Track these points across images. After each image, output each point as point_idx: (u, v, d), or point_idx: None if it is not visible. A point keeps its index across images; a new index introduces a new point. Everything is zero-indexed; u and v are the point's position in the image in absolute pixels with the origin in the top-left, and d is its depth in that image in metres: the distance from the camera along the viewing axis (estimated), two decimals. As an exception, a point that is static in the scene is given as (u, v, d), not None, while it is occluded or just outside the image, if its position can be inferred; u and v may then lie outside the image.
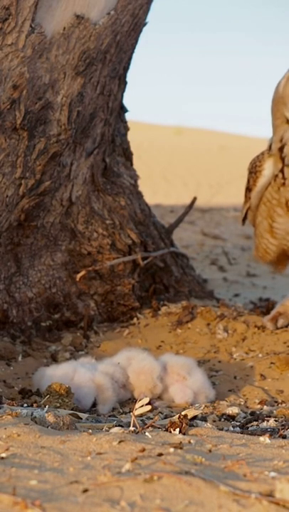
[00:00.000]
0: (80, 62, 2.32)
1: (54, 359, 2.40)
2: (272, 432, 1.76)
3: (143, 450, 1.44)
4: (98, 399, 2.05)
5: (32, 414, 1.69)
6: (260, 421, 1.91)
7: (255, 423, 1.89)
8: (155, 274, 2.83)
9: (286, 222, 2.35)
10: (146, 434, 1.56)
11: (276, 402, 2.17)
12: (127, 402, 2.15)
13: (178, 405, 2.11)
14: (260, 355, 2.47)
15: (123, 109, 2.71)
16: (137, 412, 1.73)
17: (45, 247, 2.54)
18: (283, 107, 2.21)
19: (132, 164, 2.82)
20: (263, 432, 1.77)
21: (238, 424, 1.92)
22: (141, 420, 1.84)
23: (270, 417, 1.95)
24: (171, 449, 1.46)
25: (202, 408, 1.97)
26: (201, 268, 4.05)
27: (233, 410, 2.03)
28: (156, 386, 2.13)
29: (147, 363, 2.16)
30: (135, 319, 2.69)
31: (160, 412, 2.03)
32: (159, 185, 12.48)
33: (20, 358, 2.37)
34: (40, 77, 2.24)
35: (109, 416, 1.99)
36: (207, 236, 5.23)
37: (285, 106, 2.21)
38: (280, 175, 2.28)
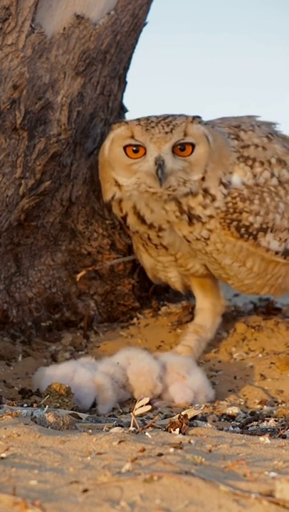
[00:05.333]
0: (80, 62, 2.32)
1: (54, 359, 2.40)
2: (272, 432, 1.76)
3: (143, 450, 1.44)
4: (98, 399, 2.05)
5: (32, 414, 1.69)
6: (260, 421, 1.91)
7: (255, 423, 1.89)
8: (155, 274, 2.83)
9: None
10: (146, 434, 1.56)
11: (276, 402, 2.17)
12: (127, 402, 2.14)
13: (178, 405, 2.11)
14: (260, 355, 2.47)
15: (123, 109, 2.71)
16: (137, 412, 1.73)
17: (45, 247, 2.54)
18: (110, 169, 2.26)
19: (132, 164, 2.81)
20: (263, 432, 1.77)
21: (238, 424, 1.92)
22: (141, 420, 1.84)
23: (270, 417, 1.95)
24: (171, 449, 1.46)
25: (202, 408, 1.97)
26: (201, 268, 4.04)
27: (233, 410, 2.03)
28: (156, 386, 2.13)
29: (146, 364, 2.15)
30: (135, 319, 2.69)
31: (160, 412, 2.03)
32: (159, 185, 12.45)
33: (20, 358, 2.37)
34: (40, 77, 2.24)
35: (109, 416, 1.99)
36: (207, 236, 5.22)
37: (113, 169, 2.25)
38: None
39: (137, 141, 2.20)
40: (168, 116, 2.23)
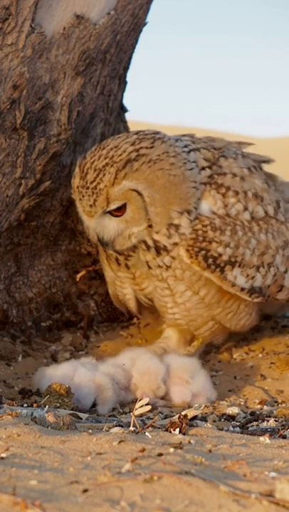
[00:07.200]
0: (80, 62, 2.32)
1: (54, 359, 2.40)
2: (272, 432, 1.77)
3: (143, 450, 1.44)
4: (98, 399, 2.05)
5: (32, 414, 1.69)
6: (260, 421, 1.91)
7: (255, 423, 1.90)
8: (155, 274, 2.82)
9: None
10: (146, 434, 1.56)
11: (276, 402, 2.17)
12: (128, 402, 2.14)
13: (178, 405, 2.11)
14: (260, 355, 2.48)
15: (123, 109, 2.71)
16: (136, 412, 1.73)
17: (45, 247, 2.54)
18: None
19: (132, 164, 2.81)
20: (263, 432, 1.77)
21: (238, 424, 1.92)
22: (141, 420, 1.84)
23: (270, 417, 1.95)
24: (171, 449, 1.46)
25: (202, 408, 1.97)
26: (201, 268, 4.04)
27: (233, 410, 2.03)
28: (159, 388, 2.13)
29: (153, 364, 2.15)
30: (135, 319, 2.69)
31: (160, 412, 2.03)
32: (159, 185, 12.45)
33: (20, 358, 2.37)
34: (40, 77, 2.24)
35: (110, 416, 1.99)
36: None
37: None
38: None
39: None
40: (100, 170, 2.12)
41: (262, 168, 2.40)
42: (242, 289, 2.22)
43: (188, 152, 2.22)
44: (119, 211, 2.15)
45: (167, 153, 2.17)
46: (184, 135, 2.35)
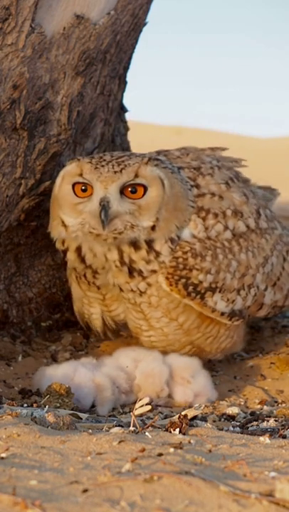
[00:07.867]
0: (80, 62, 2.32)
1: (54, 359, 2.40)
2: (272, 432, 1.77)
3: (143, 450, 1.44)
4: (96, 399, 2.05)
5: (32, 414, 1.69)
6: (260, 421, 1.91)
7: (255, 423, 1.90)
8: (155, 274, 2.82)
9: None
10: (146, 434, 1.57)
11: (276, 402, 2.17)
12: (128, 403, 2.14)
13: (178, 405, 2.11)
14: (260, 355, 2.48)
15: (123, 109, 2.71)
16: (136, 412, 1.73)
17: (45, 247, 2.54)
18: (58, 208, 2.18)
19: (132, 164, 2.81)
20: (263, 432, 1.77)
21: (238, 424, 1.92)
22: (141, 420, 1.84)
23: (270, 417, 1.95)
24: (171, 449, 1.46)
25: (202, 408, 1.97)
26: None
27: (233, 410, 2.03)
28: (163, 390, 2.12)
29: (157, 366, 2.14)
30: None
31: (160, 412, 2.03)
32: (159, 185, 12.43)
33: (20, 358, 2.37)
34: (40, 77, 2.24)
35: (109, 416, 1.99)
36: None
37: (60, 208, 2.17)
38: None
39: (85, 179, 2.10)
40: (123, 155, 2.13)
41: (238, 177, 2.37)
42: (222, 314, 2.19)
43: (178, 172, 2.22)
44: (136, 194, 2.10)
45: (177, 171, 2.21)
46: (158, 152, 2.33)
